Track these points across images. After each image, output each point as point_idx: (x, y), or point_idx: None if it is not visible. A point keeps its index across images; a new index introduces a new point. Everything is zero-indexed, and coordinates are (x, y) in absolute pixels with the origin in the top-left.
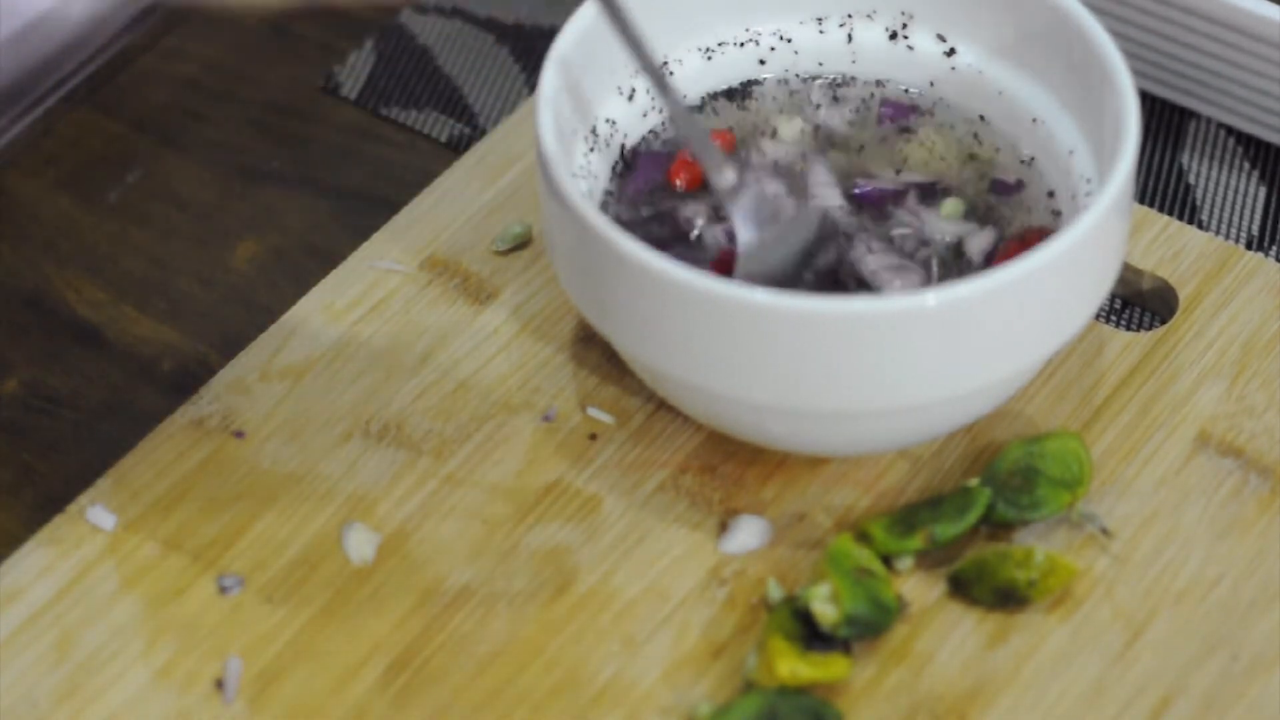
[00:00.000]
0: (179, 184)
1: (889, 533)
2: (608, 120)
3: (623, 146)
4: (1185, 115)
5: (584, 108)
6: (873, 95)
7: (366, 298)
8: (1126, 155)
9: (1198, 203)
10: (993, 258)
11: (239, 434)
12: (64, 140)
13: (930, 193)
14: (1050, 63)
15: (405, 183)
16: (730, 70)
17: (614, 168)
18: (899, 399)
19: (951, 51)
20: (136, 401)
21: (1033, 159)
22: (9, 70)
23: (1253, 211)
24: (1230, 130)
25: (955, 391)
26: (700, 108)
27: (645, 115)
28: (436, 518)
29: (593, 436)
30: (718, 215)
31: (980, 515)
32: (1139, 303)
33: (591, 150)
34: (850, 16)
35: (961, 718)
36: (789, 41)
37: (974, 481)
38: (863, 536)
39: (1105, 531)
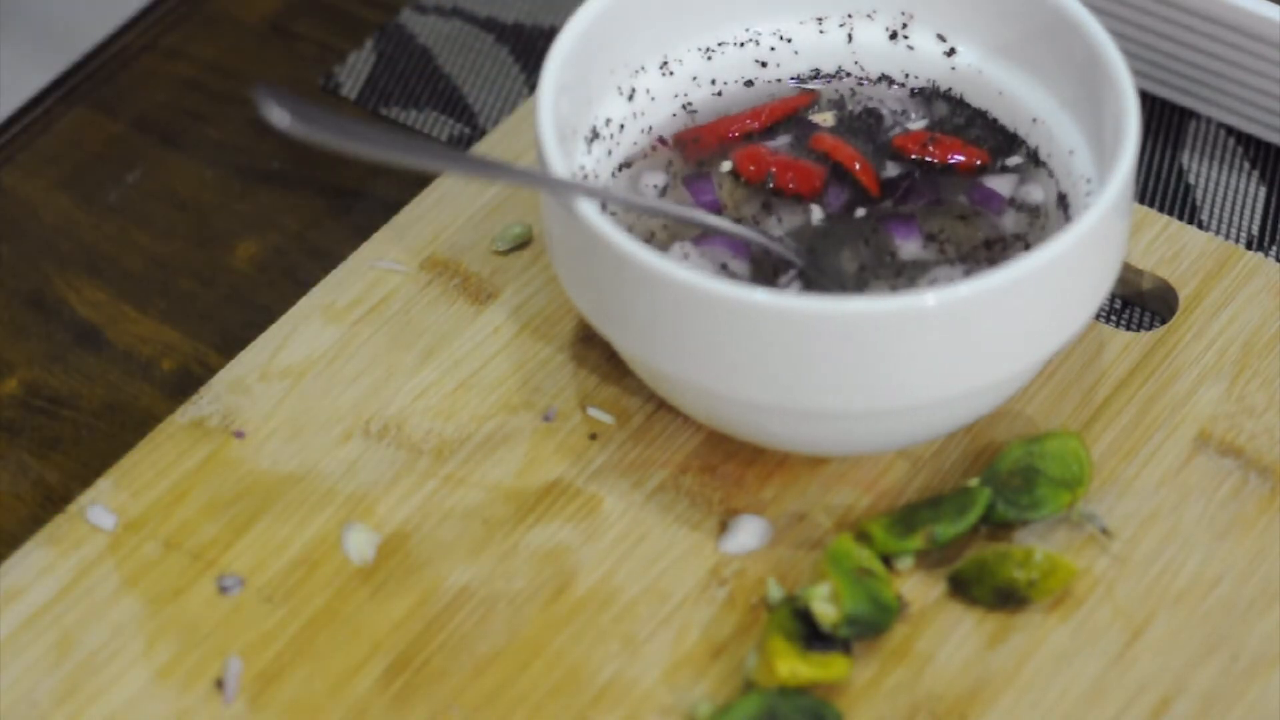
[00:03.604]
0: (179, 184)
1: (889, 533)
2: (608, 120)
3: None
4: (1185, 115)
5: (584, 108)
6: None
7: (366, 298)
8: (1126, 155)
9: (1198, 203)
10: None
11: (239, 434)
12: (64, 140)
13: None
14: (1050, 63)
15: (405, 183)
16: (730, 70)
17: (614, 168)
18: (899, 399)
19: (951, 51)
20: (136, 401)
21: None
22: None
23: (1253, 211)
24: (1230, 130)
25: (955, 391)
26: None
27: (644, 115)
28: (436, 518)
29: (593, 436)
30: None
31: (980, 515)
32: (1139, 303)
33: (591, 150)
34: (850, 16)
35: (961, 718)
36: (789, 41)
37: (974, 481)
38: (863, 536)
39: (1105, 531)
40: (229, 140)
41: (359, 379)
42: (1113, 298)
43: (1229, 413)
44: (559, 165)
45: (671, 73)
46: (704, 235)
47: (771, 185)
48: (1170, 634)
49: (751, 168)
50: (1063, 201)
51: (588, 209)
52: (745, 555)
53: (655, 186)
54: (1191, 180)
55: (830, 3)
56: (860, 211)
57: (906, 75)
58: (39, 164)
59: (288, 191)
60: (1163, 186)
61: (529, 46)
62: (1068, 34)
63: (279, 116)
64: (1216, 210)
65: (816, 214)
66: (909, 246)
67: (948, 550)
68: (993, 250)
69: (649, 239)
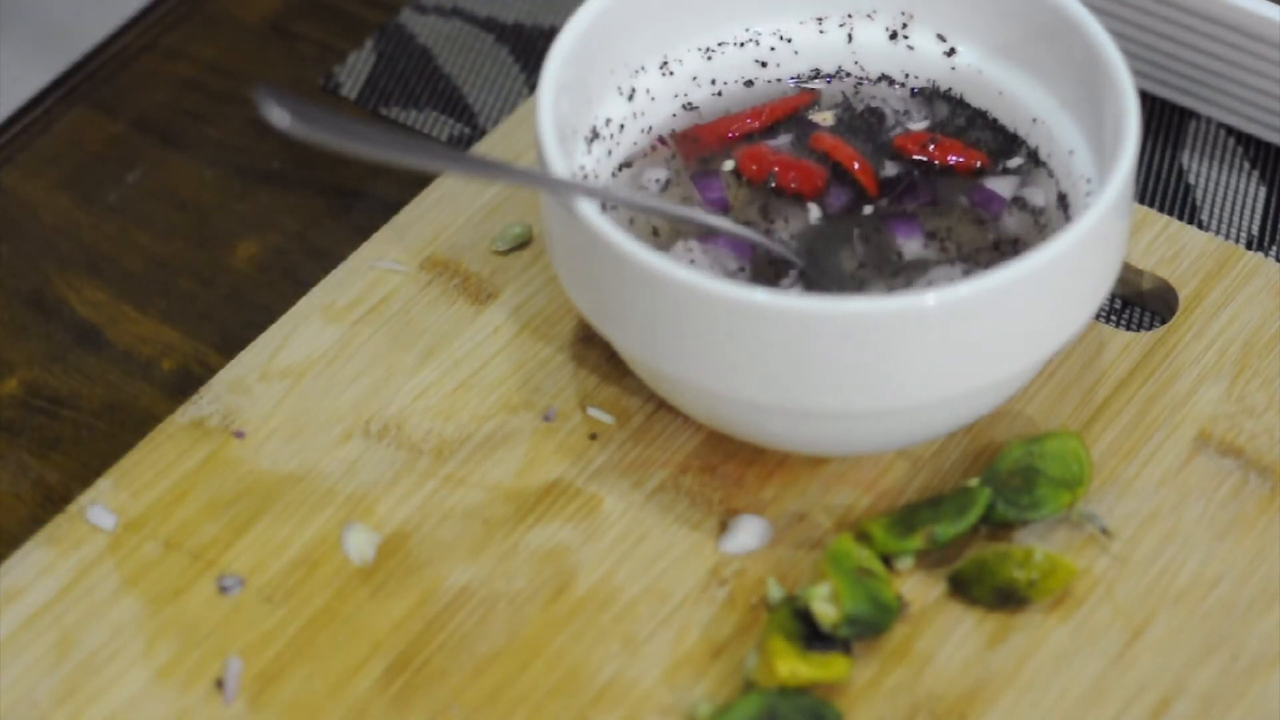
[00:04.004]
0: (179, 184)
1: (889, 533)
2: (608, 120)
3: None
4: (1185, 115)
5: (584, 108)
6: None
7: (366, 298)
8: (1126, 155)
9: (1198, 203)
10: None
11: (239, 434)
12: (64, 140)
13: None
14: (1050, 63)
15: (405, 183)
16: (730, 70)
17: (614, 168)
18: (899, 399)
19: (951, 51)
20: (136, 401)
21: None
22: None
23: (1253, 211)
24: (1230, 130)
25: (955, 391)
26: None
27: (644, 115)
28: (436, 518)
29: (593, 436)
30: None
31: (980, 515)
32: (1139, 303)
33: (591, 150)
34: (850, 16)
35: (961, 718)
36: (789, 41)
37: (974, 481)
38: (863, 536)
39: (1105, 531)
40: (229, 140)
41: (359, 379)
42: (1113, 298)
43: (1229, 413)
44: (559, 165)
45: (671, 73)
46: (709, 233)
47: (773, 185)
48: (1170, 634)
49: (754, 167)
50: (1063, 201)
51: (588, 209)
52: (745, 555)
53: (658, 180)
54: (1191, 180)
55: (830, 3)
56: (861, 211)
57: (906, 75)
58: (39, 164)
59: (288, 191)
60: (1163, 186)
61: (529, 46)
62: (1068, 34)
63: (279, 116)
64: (1216, 210)
65: (817, 214)
66: (910, 246)
67: (948, 550)
68: (992, 251)
69: (652, 235)
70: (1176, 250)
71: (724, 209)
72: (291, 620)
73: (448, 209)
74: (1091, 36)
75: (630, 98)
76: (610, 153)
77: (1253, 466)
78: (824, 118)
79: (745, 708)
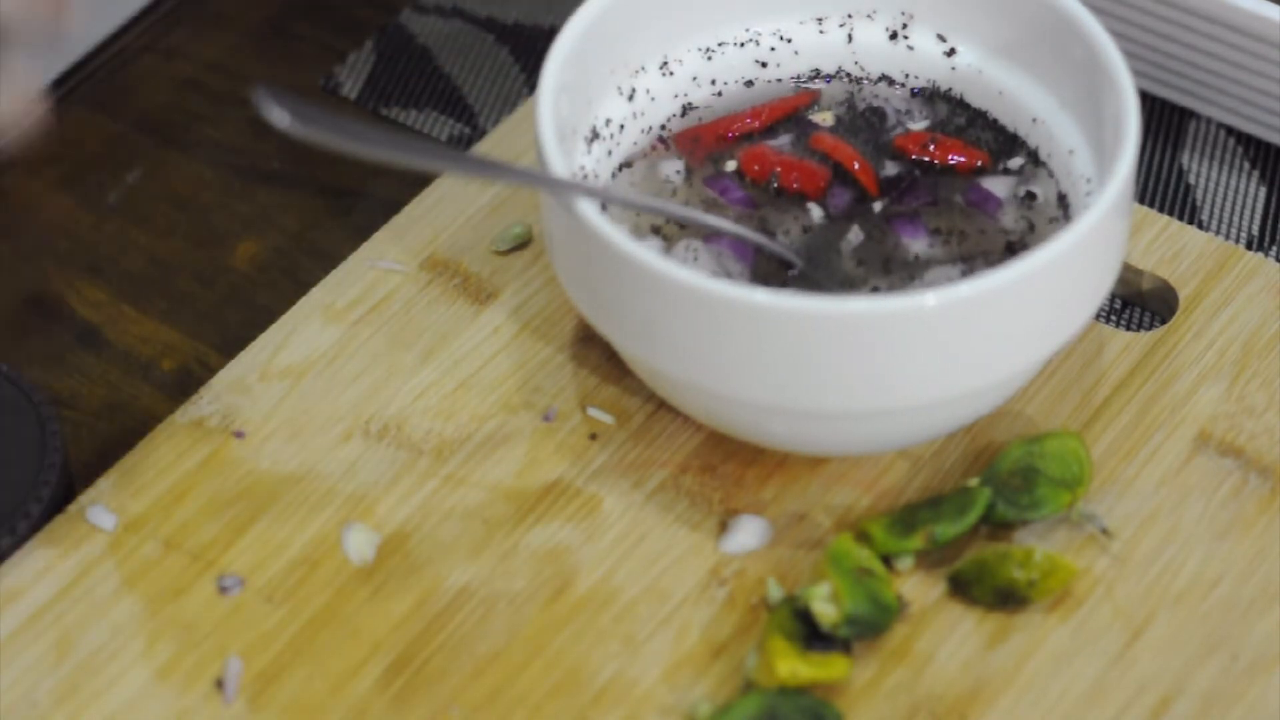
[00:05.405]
0: (179, 184)
1: (889, 533)
2: (608, 120)
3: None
4: (1185, 115)
5: (584, 108)
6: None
7: (366, 298)
8: (1126, 155)
9: (1198, 203)
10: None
11: (239, 434)
12: (64, 140)
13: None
14: (1050, 63)
15: (405, 183)
16: (730, 70)
17: (614, 168)
18: (899, 399)
19: (951, 51)
20: (136, 401)
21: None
22: None
23: (1253, 211)
24: (1230, 130)
25: (955, 391)
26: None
27: (644, 115)
28: (436, 518)
29: (593, 436)
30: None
31: (980, 515)
32: (1139, 303)
33: (591, 150)
34: (850, 16)
35: (962, 718)
36: (789, 41)
37: (974, 481)
38: (863, 536)
39: (1105, 531)
40: (229, 140)
41: (359, 379)
42: (1113, 298)
43: (1229, 413)
44: (559, 165)
45: (671, 73)
46: (712, 233)
47: (776, 185)
48: (1170, 634)
49: (756, 167)
50: (1063, 201)
51: (588, 209)
52: (745, 555)
53: (678, 172)
54: (1191, 180)
55: (830, 3)
56: (862, 211)
57: (906, 75)
58: (39, 164)
59: (288, 191)
60: (1163, 186)
61: (529, 46)
62: (1068, 34)
63: (279, 116)
64: (1216, 210)
65: (819, 214)
66: (911, 246)
67: (948, 550)
68: (992, 251)
69: (654, 234)
70: (1176, 250)
71: (750, 207)
72: (291, 620)
73: (448, 209)
74: (1091, 36)
75: (630, 98)
76: (610, 153)
77: (1253, 466)
78: (824, 118)
79: (745, 708)
